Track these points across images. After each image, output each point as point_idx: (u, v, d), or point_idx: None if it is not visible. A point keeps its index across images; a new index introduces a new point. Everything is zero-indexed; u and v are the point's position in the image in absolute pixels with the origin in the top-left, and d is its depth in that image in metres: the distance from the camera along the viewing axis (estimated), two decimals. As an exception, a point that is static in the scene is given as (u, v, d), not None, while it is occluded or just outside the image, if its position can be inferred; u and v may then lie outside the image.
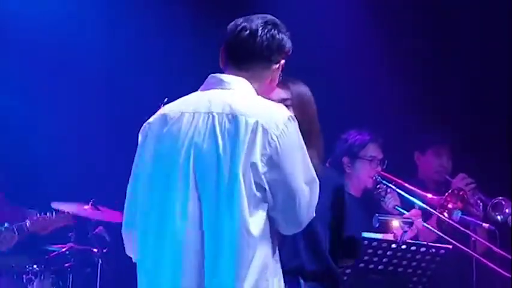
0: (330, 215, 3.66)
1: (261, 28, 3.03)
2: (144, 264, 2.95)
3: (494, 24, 6.42)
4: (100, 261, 5.76)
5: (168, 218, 2.88)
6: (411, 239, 4.70)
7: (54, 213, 5.82)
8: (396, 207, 5.04)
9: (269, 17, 3.10)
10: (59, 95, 6.50)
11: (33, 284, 5.82)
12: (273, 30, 3.05)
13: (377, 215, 4.68)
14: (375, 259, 4.44)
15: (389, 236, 4.59)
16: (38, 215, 5.80)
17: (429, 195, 5.27)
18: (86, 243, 5.93)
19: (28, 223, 5.76)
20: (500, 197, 5.55)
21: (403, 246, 4.51)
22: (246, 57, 3.02)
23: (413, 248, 4.54)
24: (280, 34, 3.06)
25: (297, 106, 3.63)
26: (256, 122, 2.86)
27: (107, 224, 5.79)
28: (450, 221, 5.09)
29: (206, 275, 2.83)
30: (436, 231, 5.00)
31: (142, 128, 3.04)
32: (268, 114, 2.91)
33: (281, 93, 3.65)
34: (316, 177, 2.98)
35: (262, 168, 2.83)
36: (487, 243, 5.23)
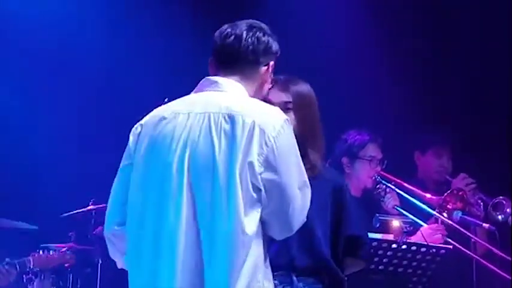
0: (328, 215, 3.66)
1: (245, 32, 3.05)
2: (139, 265, 2.92)
3: (494, 24, 6.42)
4: (100, 261, 5.76)
5: (163, 218, 2.87)
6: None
7: (56, 251, 5.82)
8: (396, 207, 5.04)
9: (253, 21, 3.12)
10: (59, 95, 6.49)
11: (33, 283, 5.82)
12: (258, 33, 3.07)
13: (377, 215, 4.68)
14: (375, 259, 4.44)
15: (389, 236, 4.59)
16: (41, 252, 5.79)
17: (428, 195, 5.27)
18: (86, 243, 5.93)
19: (31, 260, 5.74)
20: (501, 197, 5.54)
21: (404, 246, 4.51)
22: (234, 62, 3.05)
23: (413, 248, 4.54)
24: (265, 36, 3.08)
25: (298, 108, 3.64)
26: (253, 122, 2.87)
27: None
28: (449, 221, 5.09)
29: (204, 275, 2.82)
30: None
31: (133, 128, 3.05)
32: (265, 115, 2.93)
33: (282, 96, 3.65)
34: (308, 181, 2.99)
35: (258, 168, 2.84)
36: (487, 245, 5.23)
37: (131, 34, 6.52)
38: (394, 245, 4.50)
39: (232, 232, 2.80)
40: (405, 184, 5.22)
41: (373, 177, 5.12)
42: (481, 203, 5.62)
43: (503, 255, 5.10)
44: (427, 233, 4.94)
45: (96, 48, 6.51)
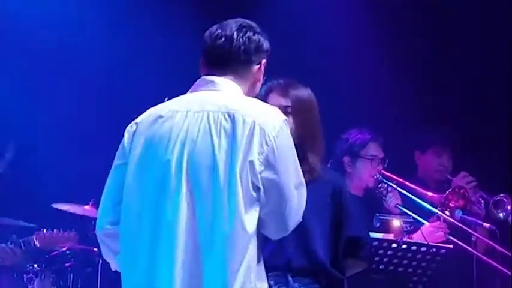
0: (328, 216, 3.67)
1: (236, 32, 3.04)
2: (134, 265, 2.90)
3: (494, 24, 6.42)
4: (100, 261, 5.76)
5: (161, 217, 2.86)
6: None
7: (61, 231, 5.83)
8: (398, 206, 5.04)
9: (243, 20, 3.11)
10: (58, 95, 6.49)
11: (33, 283, 5.82)
12: (248, 32, 3.06)
13: (377, 214, 4.68)
14: (376, 259, 4.44)
15: (389, 236, 4.59)
16: (45, 231, 5.79)
17: (429, 193, 5.27)
18: (86, 243, 5.93)
19: (35, 238, 5.75)
20: (502, 194, 5.55)
21: (404, 246, 4.51)
22: (226, 63, 3.03)
23: (414, 247, 4.55)
24: (256, 35, 3.07)
25: (297, 112, 3.64)
26: (254, 121, 2.87)
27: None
28: (451, 219, 5.09)
29: (203, 275, 2.81)
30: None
31: (128, 126, 3.03)
32: (265, 114, 2.92)
33: (281, 100, 3.66)
34: (303, 181, 2.98)
35: (259, 167, 2.84)
36: (487, 240, 5.22)
37: (131, 34, 6.52)
38: (394, 245, 4.50)
39: (233, 230, 2.79)
40: (407, 183, 5.22)
41: (375, 176, 5.12)
42: (482, 201, 5.62)
43: (503, 250, 5.09)
44: (429, 231, 4.94)
45: (96, 48, 6.51)
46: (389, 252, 4.48)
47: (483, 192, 5.65)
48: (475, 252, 5.10)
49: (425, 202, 5.11)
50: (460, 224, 5.09)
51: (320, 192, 3.60)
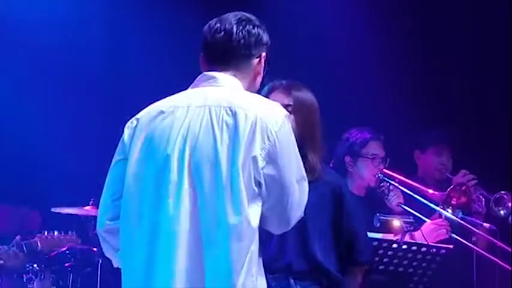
0: (329, 216, 3.67)
1: (235, 26, 3.03)
2: (132, 260, 2.89)
3: (495, 24, 6.42)
4: (100, 261, 5.76)
5: (162, 211, 2.85)
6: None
7: (62, 233, 5.83)
8: (400, 204, 5.03)
9: (242, 13, 3.09)
10: (58, 95, 6.50)
11: (33, 283, 5.81)
12: (247, 25, 3.05)
13: (378, 214, 4.67)
14: (376, 259, 4.43)
15: (390, 236, 4.59)
16: (47, 233, 5.79)
17: (430, 191, 5.26)
18: (86, 243, 5.93)
19: (38, 242, 5.74)
20: (503, 192, 5.54)
21: (404, 246, 4.51)
22: (226, 57, 3.03)
23: (414, 247, 4.54)
24: (255, 28, 3.06)
25: (298, 112, 3.65)
26: (256, 116, 2.86)
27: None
28: (453, 217, 5.08)
29: (205, 270, 2.80)
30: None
31: (129, 122, 3.02)
32: (267, 109, 2.92)
33: (284, 99, 3.67)
34: (305, 176, 2.97)
35: (261, 162, 2.83)
36: (487, 236, 5.21)
37: (131, 34, 6.52)
38: (394, 245, 4.49)
39: (239, 224, 2.79)
40: (408, 181, 5.21)
41: (376, 176, 5.10)
42: (483, 199, 5.61)
43: (503, 246, 5.08)
44: (430, 228, 4.94)
45: (96, 49, 6.51)
46: (389, 253, 4.47)
47: (483, 190, 5.65)
48: (475, 248, 5.09)
49: (427, 200, 5.09)
50: (461, 221, 5.07)
51: (320, 192, 3.60)
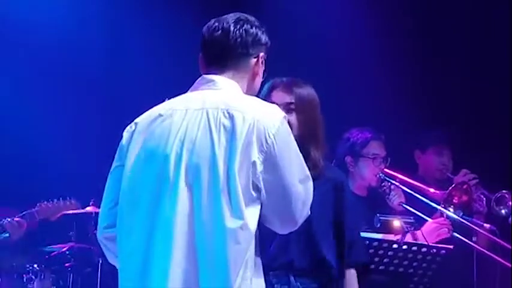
0: (331, 213, 3.68)
1: (233, 25, 3.03)
2: (131, 261, 2.89)
3: (495, 24, 6.42)
4: (100, 261, 5.76)
5: (158, 212, 2.85)
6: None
7: (61, 199, 5.84)
8: (401, 203, 5.03)
9: (240, 14, 3.10)
10: (58, 95, 6.49)
11: (33, 283, 5.82)
12: (245, 25, 3.05)
13: (378, 215, 4.67)
14: (376, 259, 4.43)
15: (390, 236, 4.59)
16: (46, 202, 5.81)
17: (431, 190, 5.25)
18: (87, 243, 5.93)
19: (37, 209, 5.77)
20: (504, 191, 5.54)
21: (404, 247, 4.50)
22: (224, 56, 3.03)
23: (414, 248, 4.54)
24: (253, 28, 3.06)
25: (300, 110, 3.65)
26: (253, 119, 2.86)
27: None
28: (455, 216, 5.08)
29: (199, 273, 2.79)
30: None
31: (128, 126, 3.03)
32: (264, 112, 2.91)
33: (285, 97, 3.67)
34: (309, 175, 2.96)
35: (260, 166, 2.83)
36: (488, 235, 5.21)
37: (131, 34, 6.52)
38: (394, 245, 4.49)
39: (235, 228, 2.78)
40: (409, 180, 5.21)
41: (377, 175, 5.10)
42: (484, 199, 5.61)
43: (504, 243, 5.08)
44: (432, 227, 4.93)
45: (96, 49, 6.51)
46: (389, 253, 4.46)
47: (484, 190, 5.65)
48: (476, 246, 5.08)
49: (428, 199, 5.09)
50: (462, 220, 5.07)
51: (322, 189, 3.60)
